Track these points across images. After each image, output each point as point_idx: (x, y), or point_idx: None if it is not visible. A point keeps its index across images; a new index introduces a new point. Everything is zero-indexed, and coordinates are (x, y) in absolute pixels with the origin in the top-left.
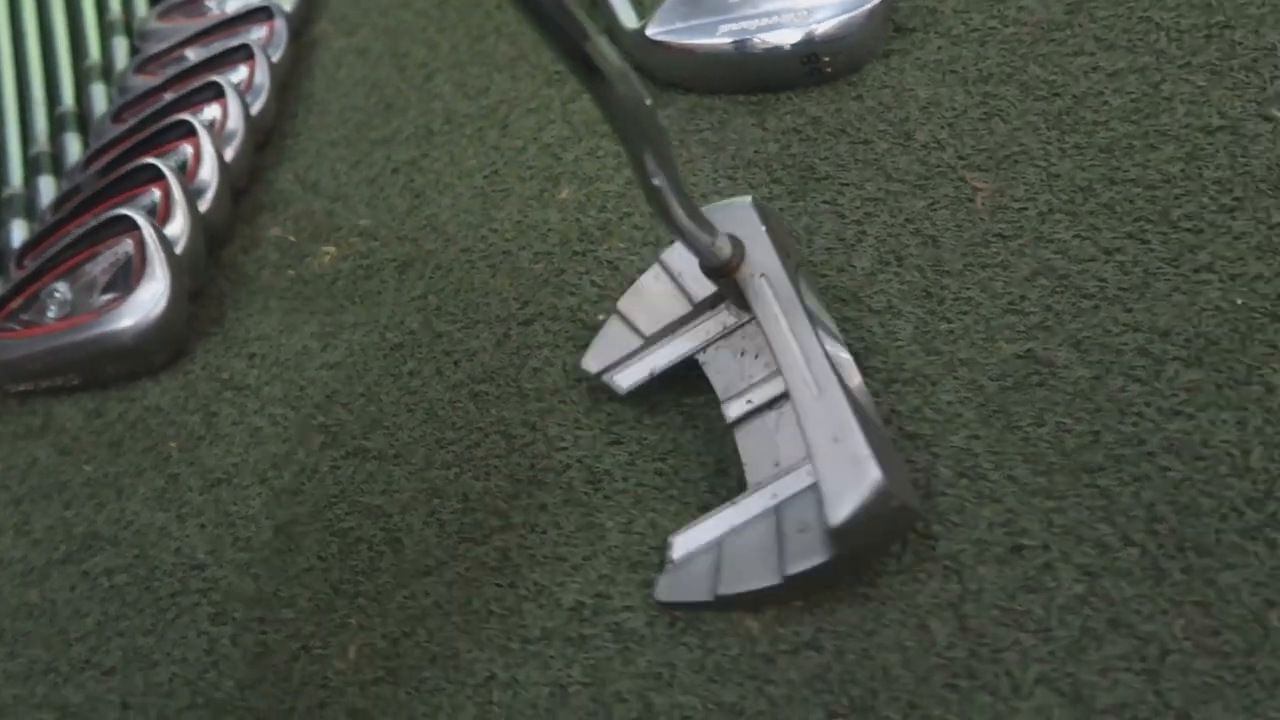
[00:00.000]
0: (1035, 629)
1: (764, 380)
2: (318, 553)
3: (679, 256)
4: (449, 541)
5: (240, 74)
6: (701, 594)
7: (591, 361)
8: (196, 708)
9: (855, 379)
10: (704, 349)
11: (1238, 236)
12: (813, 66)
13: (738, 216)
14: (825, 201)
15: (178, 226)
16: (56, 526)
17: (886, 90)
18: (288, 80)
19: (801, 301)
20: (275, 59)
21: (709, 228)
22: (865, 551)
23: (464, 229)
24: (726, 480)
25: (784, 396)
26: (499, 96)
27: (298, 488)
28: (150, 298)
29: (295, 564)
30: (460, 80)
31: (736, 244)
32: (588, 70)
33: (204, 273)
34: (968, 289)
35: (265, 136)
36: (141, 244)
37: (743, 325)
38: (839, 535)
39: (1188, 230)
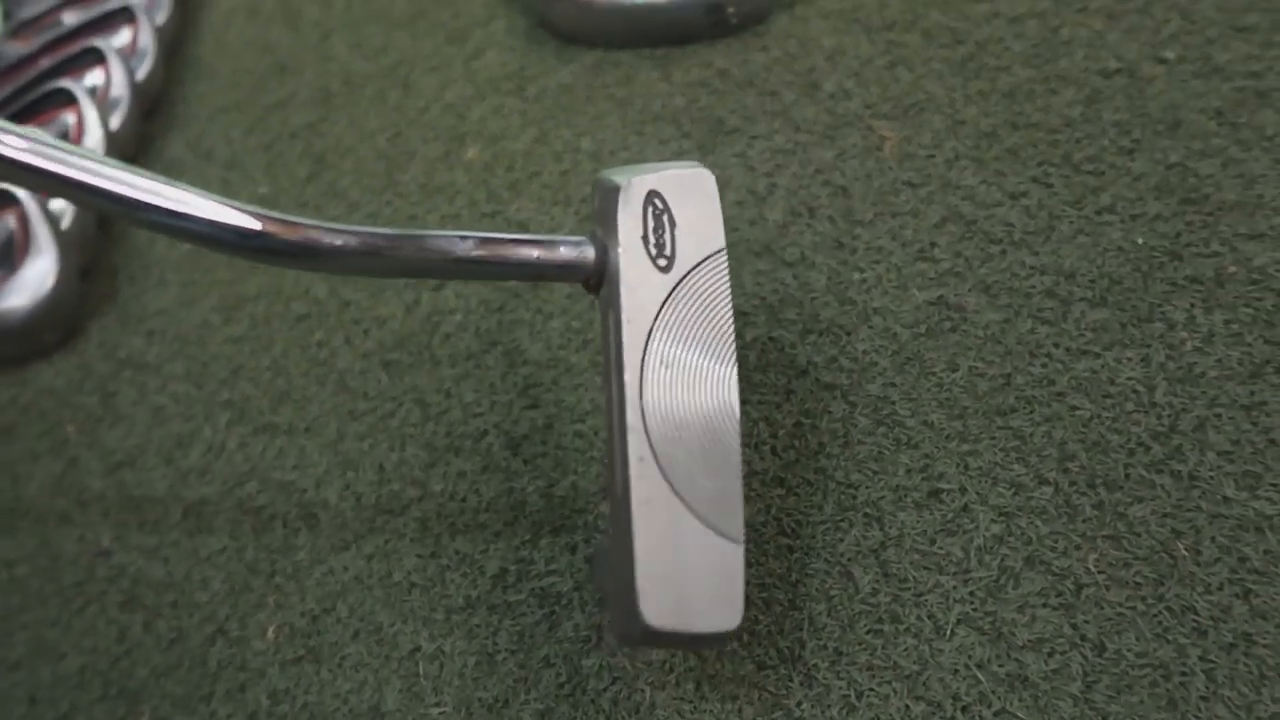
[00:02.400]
0: (955, 571)
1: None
2: (229, 532)
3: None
4: (366, 514)
5: (123, 38)
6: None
7: None
8: (110, 698)
9: (728, 429)
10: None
11: (1137, 177)
12: (718, 17)
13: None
14: (735, 155)
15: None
16: None
17: (792, 40)
18: (174, 43)
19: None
20: (160, 21)
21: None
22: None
23: (368, 194)
24: None
25: None
26: (398, 55)
27: (205, 467)
28: (37, 275)
29: (207, 545)
30: (357, 40)
31: (600, 252)
32: None
33: (95, 247)
34: (879, 238)
35: (152, 103)
36: (24, 219)
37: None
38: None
39: (1089, 173)
